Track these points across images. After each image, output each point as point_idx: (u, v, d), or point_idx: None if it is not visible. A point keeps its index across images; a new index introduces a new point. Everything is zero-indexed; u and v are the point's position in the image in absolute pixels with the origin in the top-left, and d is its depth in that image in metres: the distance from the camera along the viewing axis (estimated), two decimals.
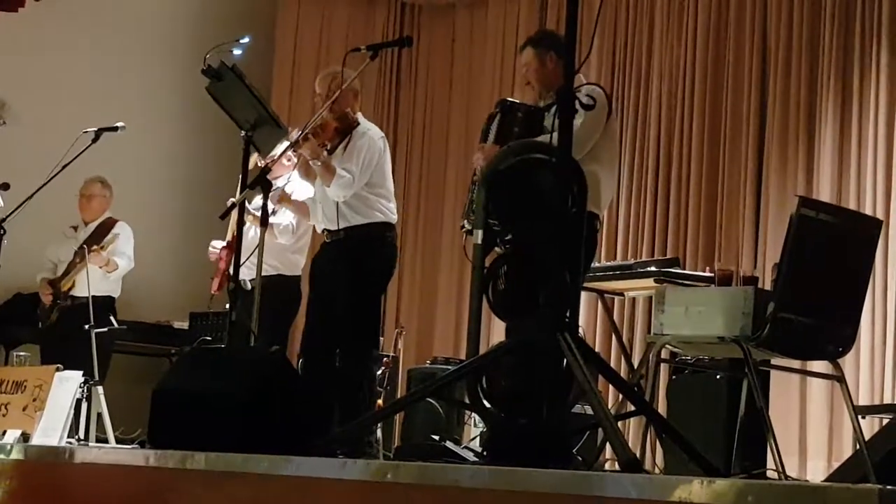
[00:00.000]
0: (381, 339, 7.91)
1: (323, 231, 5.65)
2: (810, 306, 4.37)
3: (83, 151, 6.32)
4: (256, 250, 5.11)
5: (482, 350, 3.45)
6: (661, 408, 5.79)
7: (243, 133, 5.08)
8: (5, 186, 6.58)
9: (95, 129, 6.44)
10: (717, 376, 5.37)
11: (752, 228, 7.50)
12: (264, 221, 5.08)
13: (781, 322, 4.25)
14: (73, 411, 5.31)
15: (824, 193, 7.05)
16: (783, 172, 7.41)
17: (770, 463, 4.72)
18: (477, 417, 6.25)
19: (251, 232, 5.95)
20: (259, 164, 5.36)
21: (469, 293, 3.64)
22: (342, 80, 5.32)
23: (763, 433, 4.57)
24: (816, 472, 6.60)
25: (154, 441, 3.77)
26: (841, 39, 7.27)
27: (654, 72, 8.26)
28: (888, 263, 6.72)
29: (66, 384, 5.31)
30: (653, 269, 5.76)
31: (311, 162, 5.47)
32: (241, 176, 5.15)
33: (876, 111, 7.03)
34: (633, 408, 4.29)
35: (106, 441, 6.24)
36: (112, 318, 7.12)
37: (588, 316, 7.82)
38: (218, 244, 6.36)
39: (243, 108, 5.06)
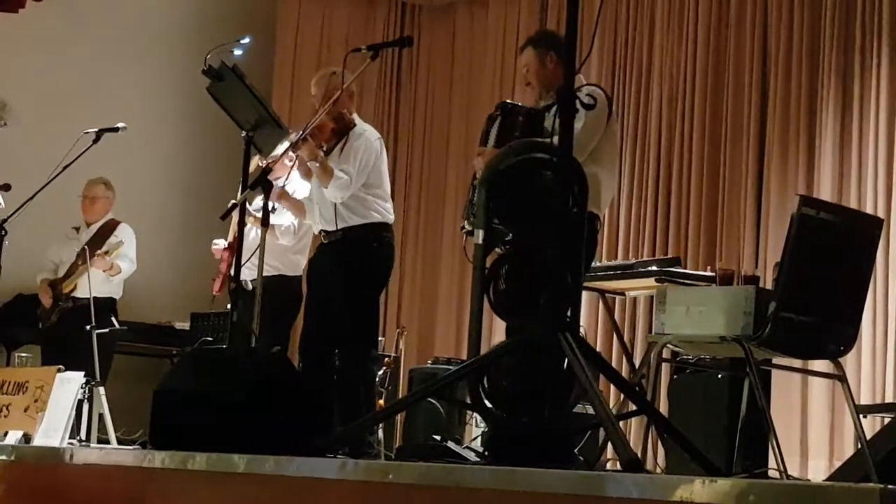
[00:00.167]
0: (382, 339, 7.94)
1: (320, 232, 5.66)
2: (812, 305, 4.37)
3: (84, 152, 6.33)
4: (257, 251, 5.11)
5: (483, 350, 3.44)
6: (663, 407, 5.78)
7: (244, 133, 5.08)
8: (6, 187, 6.58)
9: (96, 129, 6.45)
10: (719, 376, 5.37)
11: (753, 228, 7.50)
12: (265, 222, 5.08)
13: (783, 321, 4.24)
14: (74, 412, 5.31)
15: (825, 192, 7.05)
16: (784, 172, 7.41)
17: (772, 462, 4.71)
18: (478, 417, 6.25)
19: (252, 232, 5.96)
20: (260, 165, 5.36)
21: (470, 293, 3.63)
22: (342, 80, 5.32)
23: (764, 432, 4.57)
24: (818, 472, 6.60)
25: (155, 442, 3.77)
26: (841, 39, 7.27)
27: (654, 72, 8.26)
28: (889, 262, 6.72)
29: (68, 385, 5.31)
30: (654, 268, 5.76)
31: (308, 163, 5.48)
32: (241, 176, 5.16)
33: (877, 110, 7.04)
34: (634, 407, 4.28)
35: (107, 442, 6.25)
36: (113, 318, 7.12)
37: (589, 315, 7.82)
38: (221, 242, 6.38)
39: (244, 108, 5.06)
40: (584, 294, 5.06)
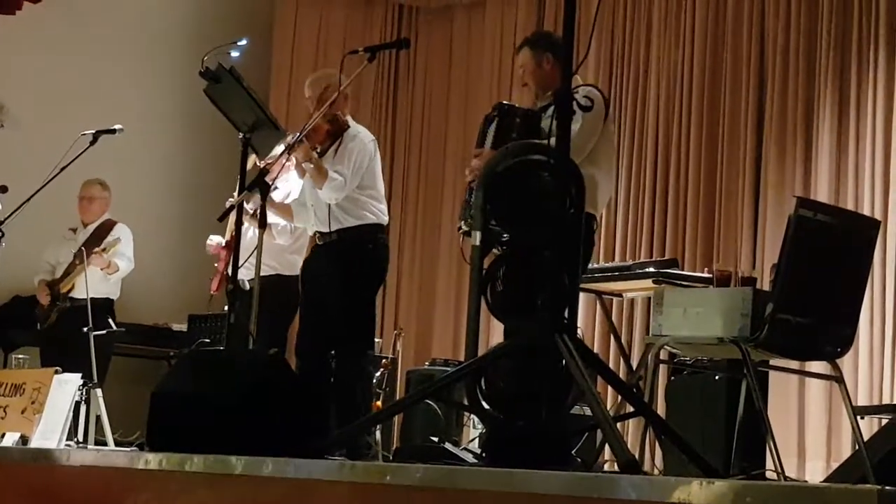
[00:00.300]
0: (380, 340, 7.95)
1: (315, 234, 5.66)
2: (809, 307, 4.37)
3: (81, 154, 6.33)
4: (255, 251, 5.11)
5: (481, 351, 3.44)
6: (660, 409, 5.79)
7: (241, 135, 5.08)
8: (3, 189, 6.58)
9: (93, 131, 6.44)
10: (716, 377, 5.37)
11: (751, 229, 7.51)
12: (262, 222, 5.09)
13: (780, 323, 4.25)
14: (71, 414, 5.30)
15: (822, 194, 7.06)
16: (781, 173, 7.41)
17: (769, 464, 4.72)
18: (476, 419, 6.25)
19: (249, 233, 5.96)
20: (257, 166, 5.36)
21: (467, 295, 3.63)
22: (339, 82, 5.32)
23: (762, 434, 4.57)
24: (815, 473, 6.60)
25: (153, 443, 3.77)
26: (838, 41, 7.28)
27: (651, 73, 8.26)
28: (886, 264, 6.73)
29: (65, 387, 5.31)
30: (651, 270, 5.76)
31: (303, 164, 5.50)
32: (239, 178, 5.16)
33: (874, 112, 7.04)
34: (631, 409, 4.29)
35: (105, 443, 6.24)
36: (111, 320, 7.12)
37: (587, 317, 7.82)
38: (216, 238, 6.38)
39: (241, 110, 5.06)
40: (582, 295, 5.06)
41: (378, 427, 6.16)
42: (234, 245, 5.11)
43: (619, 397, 5.23)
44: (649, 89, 8.26)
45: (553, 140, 3.44)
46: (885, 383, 6.65)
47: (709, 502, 2.12)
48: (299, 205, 5.84)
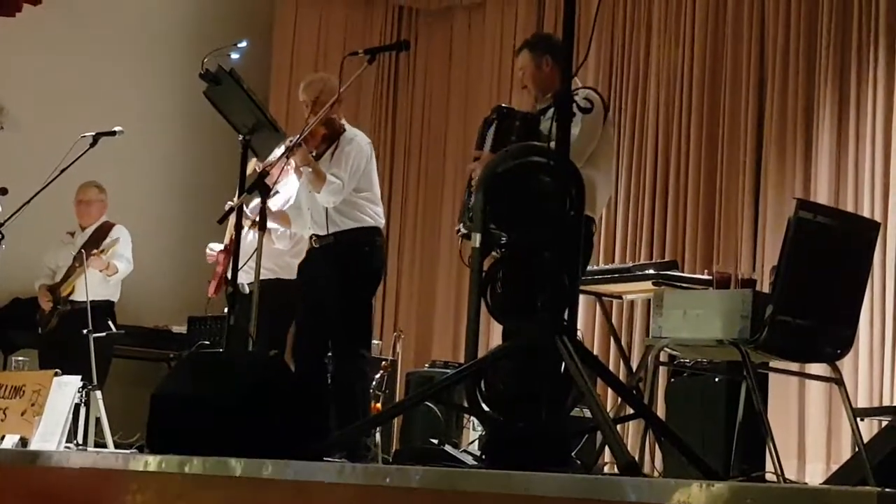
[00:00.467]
0: (380, 342, 7.94)
1: (311, 237, 5.66)
2: (808, 309, 4.37)
3: (81, 156, 6.33)
4: (254, 254, 5.11)
5: (481, 353, 3.44)
6: (660, 411, 5.79)
7: (241, 137, 5.08)
8: (3, 191, 6.58)
9: (93, 133, 6.44)
10: (716, 379, 5.37)
11: (751, 231, 7.51)
12: (262, 225, 5.08)
13: (780, 325, 4.25)
14: (71, 416, 5.30)
15: (822, 196, 7.06)
16: (781, 175, 7.41)
17: (769, 466, 4.71)
18: (475, 421, 6.25)
19: (249, 236, 5.96)
20: (257, 169, 5.36)
21: (467, 296, 3.63)
22: (337, 86, 5.33)
23: (762, 436, 4.57)
24: (815, 475, 6.60)
25: (152, 445, 3.77)
26: (838, 41, 7.28)
27: (651, 74, 8.26)
28: (886, 265, 6.73)
29: (65, 389, 5.30)
30: (651, 271, 5.76)
31: (301, 168, 5.51)
32: (239, 180, 5.16)
33: (873, 113, 7.04)
34: (631, 411, 4.29)
35: (104, 445, 6.24)
36: (111, 322, 7.12)
37: (586, 319, 7.82)
38: (216, 247, 6.38)
39: (241, 112, 5.06)
40: (582, 297, 5.05)
41: (378, 429, 6.17)
42: (233, 248, 5.11)
43: (619, 399, 5.23)
44: (649, 90, 8.26)
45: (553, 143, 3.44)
46: (885, 385, 6.65)
47: None
48: (295, 209, 5.85)
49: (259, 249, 5.05)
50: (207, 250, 6.44)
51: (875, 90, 7.06)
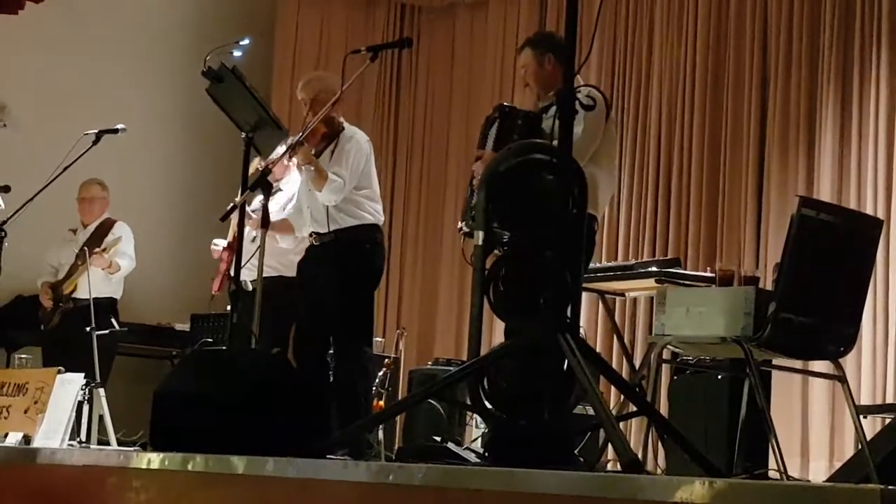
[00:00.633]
0: (382, 340, 7.95)
1: (311, 234, 5.66)
2: (811, 306, 4.37)
3: (84, 153, 6.33)
4: (257, 252, 5.11)
5: (483, 351, 3.44)
6: (663, 408, 5.78)
7: (244, 135, 5.08)
8: (6, 189, 6.58)
9: (96, 131, 6.45)
10: (719, 377, 5.37)
11: (753, 228, 7.51)
12: (265, 223, 5.09)
13: (782, 322, 4.25)
14: (74, 414, 5.30)
15: (825, 193, 7.06)
16: (784, 172, 7.41)
17: (772, 463, 4.71)
18: (478, 419, 6.25)
19: (252, 233, 5.96)
20: (259, 168, 5.36)
21: (470, 294, 3.63)
22: (338, 84, 5.33)
23: (765, 433, 4.57)
24: (818, 473, 6.60)
25: (155, 443, 3.77)
26: (841, 40, 7.27)
27: (654, 73, 8.26)
28: (889, 263, 6.72)
29: (68, 386, 5.31)
30: (654, 269, 5.76)
31: (303, 167, 5.51)
32: (241, 178, 5.16)
33: (876, 111, 7.04)
34: (634, 408, 4.29)
35: (107, 443, 6.24)
36: (114, 320, 7.12)
37: (589, 316, 7.82)
38: (221, 242, 6.39)
39: (244, 109, 5.06)
40: (584, 295, 5.06)
41: (381, 427, 6.17)
42: (236, 246, 5.11)
43: (622, 397, 5.22)
44: (652, 88, 8.25)
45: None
46: (889, 382, 6.65)
47: (711, 502, 2.12)
48: (296, 212, 5.85)
49: (262, 247, 5.05)
50: (212, 245, 6.45)
51: (878, 89, 7.06)
